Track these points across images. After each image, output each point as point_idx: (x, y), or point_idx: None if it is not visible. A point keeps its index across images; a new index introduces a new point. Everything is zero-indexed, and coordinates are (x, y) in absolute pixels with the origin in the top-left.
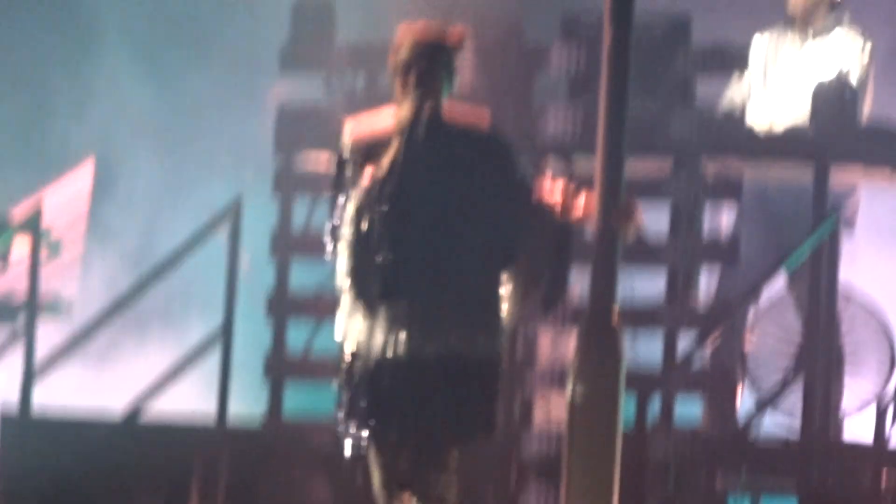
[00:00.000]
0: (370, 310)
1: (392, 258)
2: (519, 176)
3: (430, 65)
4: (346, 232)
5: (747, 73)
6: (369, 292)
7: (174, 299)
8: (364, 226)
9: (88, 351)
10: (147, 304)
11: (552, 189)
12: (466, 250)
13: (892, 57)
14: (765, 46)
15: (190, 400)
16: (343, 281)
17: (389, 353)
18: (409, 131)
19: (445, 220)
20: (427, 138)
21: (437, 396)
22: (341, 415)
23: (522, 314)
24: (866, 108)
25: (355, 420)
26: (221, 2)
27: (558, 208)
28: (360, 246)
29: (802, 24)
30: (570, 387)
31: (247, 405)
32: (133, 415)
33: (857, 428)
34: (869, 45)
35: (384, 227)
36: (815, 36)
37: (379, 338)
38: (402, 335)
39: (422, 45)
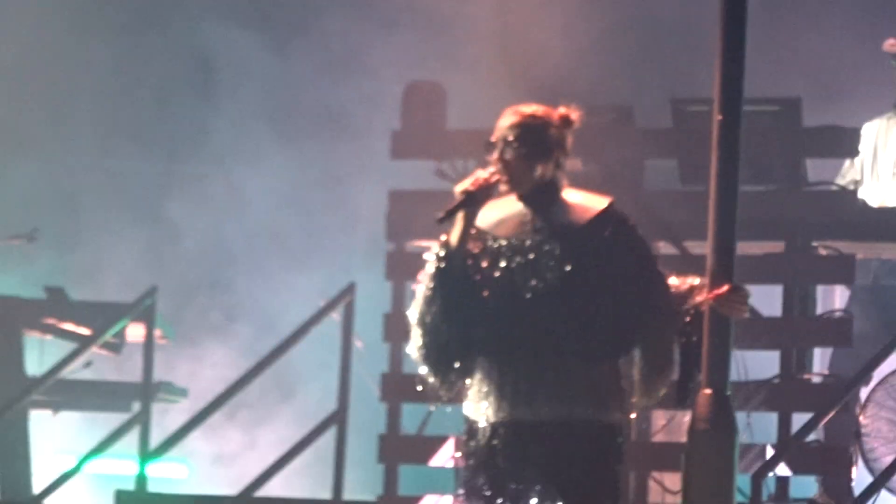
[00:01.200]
0: (486, 375)
1: (514, 330)
2: (646, 254)
3: (539, 138)
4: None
5: (858, 157)
6: (493, 348)
7: (291, 384)
8: (491, 283)
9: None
10: (264, 388)
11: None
12: (591, 324)
13: None
14: (875, 131)
15: (305, 485)
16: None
17: (503, 426)
18: (532, 200)
19: (573, 292)
20: (550, 207)
21: (554, 468)
22: (461, 492)
23: (652, 398)
24: None
25: (474, 497)
26: (336, 82)
27: (684, 290)
28: (487, 299)
29: None
30: (684, 464)
31: (360, 490)
32: (248, 492)
33: None
34: None
35: (518, 287)
36: None
37: (502, 405)
38: (527, 401)
39: (531, 118)
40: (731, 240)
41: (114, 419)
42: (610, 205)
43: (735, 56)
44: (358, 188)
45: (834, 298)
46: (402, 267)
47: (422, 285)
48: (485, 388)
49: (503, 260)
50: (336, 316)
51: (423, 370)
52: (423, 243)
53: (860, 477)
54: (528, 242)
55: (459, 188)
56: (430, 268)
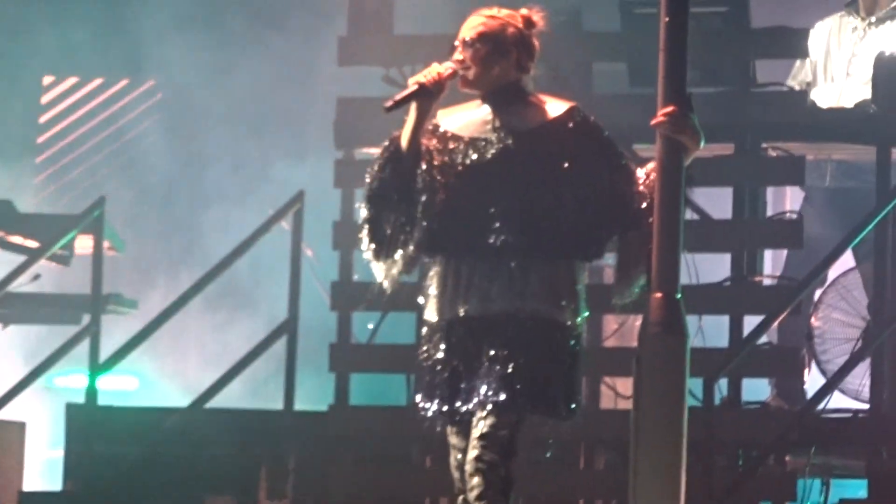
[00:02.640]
0: (449, 264)
1: (480, 214)
2: (613, 151)
3: (498, 37)
4: (419, 180)
5: (809, 58)
6: (450, 244)
7: (240, 293)
8: (451, 179)
9: (156, 346)
10: (212, 298)
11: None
12: (550, 222)
13: None
14: (827, 31)
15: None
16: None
17: (458, 323)
18: (494, 100)
19: (545, 185)
20: (511, 107)
21: (515, 362)
22: (420, 395)
23: (627, 294)
24: None
25: (430, 397)
26: None
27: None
28: (445, 197)
29: (868, 8)
30: (635, 369)
31: (314, 400)
32: (199, 403)
33: None
34: None
35: (478, 184)
36: (879, 22)
37: (457, 303)
38: (480, 297)
39: (490, 18)
40: (680, 152)
41: (65, 332)
42: (573, 106)
43: None
44: (306, 96)
45: (785, 201)
46: (351, 174)
47: (373, 171)
48: (441, 287)
49: (464, 157)
50: (286, 224)
51: (369, 255)
52: (373, 150)
53: (813, 379)
54: (488, 141)
55: (413, 79)
56: (381, 156)
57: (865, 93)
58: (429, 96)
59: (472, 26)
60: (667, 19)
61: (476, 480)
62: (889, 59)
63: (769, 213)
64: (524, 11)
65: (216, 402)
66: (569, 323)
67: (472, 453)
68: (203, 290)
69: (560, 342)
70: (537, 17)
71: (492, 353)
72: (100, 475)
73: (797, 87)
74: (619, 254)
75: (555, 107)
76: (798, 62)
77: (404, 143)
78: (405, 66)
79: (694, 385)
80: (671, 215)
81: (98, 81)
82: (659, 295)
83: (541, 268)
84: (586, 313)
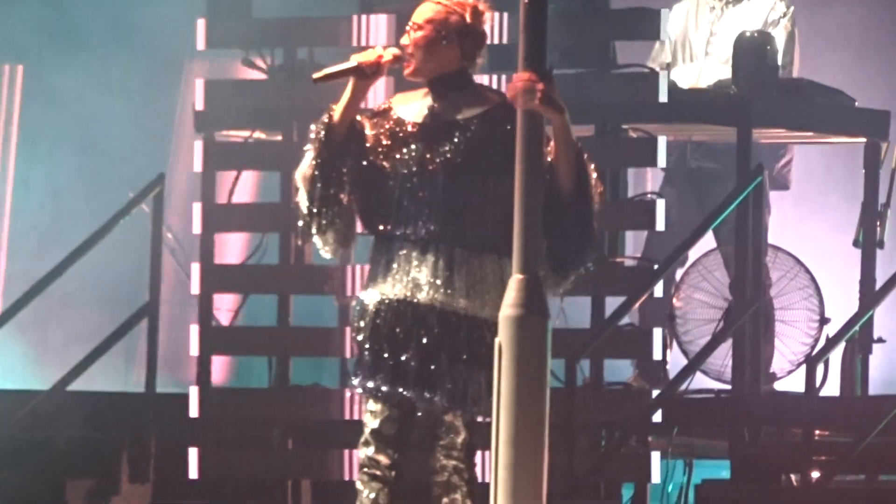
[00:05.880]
0: (384, 248)
1: (410, 200)
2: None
3: (441, 25)
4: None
5: (668, 39)
6: (380, 226)
7: (99, 278)
8: (388, 162)
9: (13, 331)
10: (73, 283)
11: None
12: (479, 213)
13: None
14: (685, 11)
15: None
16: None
17: (387, 305)
18: (437, 87)
19: (471, 177)
20: (454, 94)
21: (428, 354)
22: (357, 372)
23: (561, 283)
24: (795, 69)
25: (364, 376)
26: None
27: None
28: (379, 179)
29: None
30: (496, 350)
31: (175, 384)
32: (60, 386)
33: (789, 383)
34: (792, 9)
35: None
36: (736, 1)
37: (386, 284)
38: (408, 283)
39: (434, 5)
40: (539, 122)
41: None
42: (506, 98)
43: None
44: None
45: (646, 182)
46: (213, 158)
47: (308, 148)
48: (373, 267)
49: (403, 142)
50: (146, 207)
51: (303, 225)
52: (234, 133)
53: (674, 360)
54: (428, 127)
55: (354, 56)
56: (314, 133)
57: (724, 72)
58: (364, 77)
59: (419, 13)
60: (526, 0)
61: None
62: (749, 39)
63: (630, 194)
64: (472, 1)
65: (78, 385)
66: (495, 322)
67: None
68: (61, 275)
69: (484, 340)
70: (483, 6)
71: (420, 343)
72: None
73: (658, 69)
74: (547, 247)
75: (491, 98)
76: (657, 44)
77: (335, 117)
78: (265, 49)
79: (556, 366)
80: (531, 195)
81: None
82: (520, 277)
83: (466, 261)
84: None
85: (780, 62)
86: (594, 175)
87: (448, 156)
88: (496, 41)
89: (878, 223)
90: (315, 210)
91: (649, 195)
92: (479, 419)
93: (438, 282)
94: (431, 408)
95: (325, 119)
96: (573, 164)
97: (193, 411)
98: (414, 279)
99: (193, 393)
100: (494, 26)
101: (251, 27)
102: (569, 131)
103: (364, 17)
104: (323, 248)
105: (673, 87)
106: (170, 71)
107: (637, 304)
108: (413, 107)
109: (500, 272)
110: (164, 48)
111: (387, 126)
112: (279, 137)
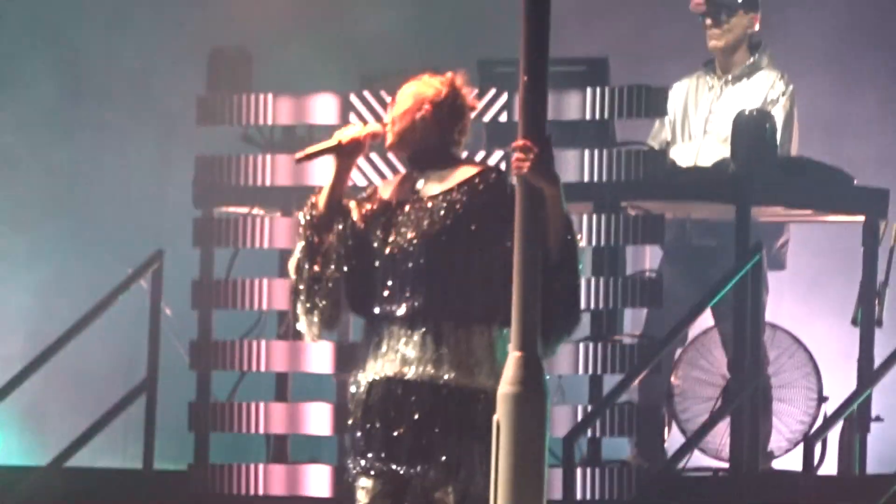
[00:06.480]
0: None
1: (394, 278)
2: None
3: (417, 102)
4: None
5: (668, 117)
6: (367, 307)
7: (99, 353)
8: (372, 242)
9: (11, 409)
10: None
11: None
12: (462, 287)
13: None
14: (685, 90)
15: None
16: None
17: (378, 384)
18: (416, 163)
19: (453, 250)
20: (431, 171)
21: (420, 431)
22: (351, 454)
23: (549, 350)
24: (794, 148)
25: (356, 456)
26: (139, 51)
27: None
28: (363, 260)
29: (723, 66)
30: (494, 428)
31: (172, 460)
32: (58, 462)
33: (788, 461)
34: (791, 87)
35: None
36: (736, 79)
37: (376, 363)
38: (397, 360)
39: (413, 83)
40: (539, 197)
41: None
42: (485, 168)
43: (539, 16)
44: (163, 154)
45: (645, 259)
46: (210, 233)
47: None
48: (364, 346)
49: (386, 222)
50: (144, 283)
51: (297, 312)
52: (231, 209)
53: (673, 437)
54: (409, 204)
55: (336, 133)
56: (302, 217)
57: (723, 151)
58: (345, 155)
59: (400, 90)
60: (525, 78)
61: None
62: (748, 117)
63: (628, 271)
64: (449, 76)
65: (77, 461)
66: (486, 391)
67: None
68: (59, 350)
69: (477, 412)
70: (461, 81)
71: (412, 418)
72: None
73: (657, 147)
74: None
75: (469, 170)
76: (657, 122)
77: (320, 199)
78: (263, 124)
79: (554, 444)
80: (530, 272)
81: None
82: (518, 354)
83: (454, 333)
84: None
85: (778, 141)
86: (581, 246)
87: (428, 231)
88: (504, 119)
89: (877, 301)
90: (301, 289)
91: (648, 272)
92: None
93: (426, 356)
94: (424, 482)
95: (311, 201)
96: (561, 234)
97: (192, 487)
98: (403, 356)
99: (191, 469)
100: (498, 104)
101: (250, 102)
102: (560, 202)
103: (363, 92)
104: (309, 330)
105: (673, 165)
106: (172, 142)
107: (636, 382)
108: (396, 186)
109: (489, 339)
110: (170, 117)
111: (371, 207)
112: (278, 214)
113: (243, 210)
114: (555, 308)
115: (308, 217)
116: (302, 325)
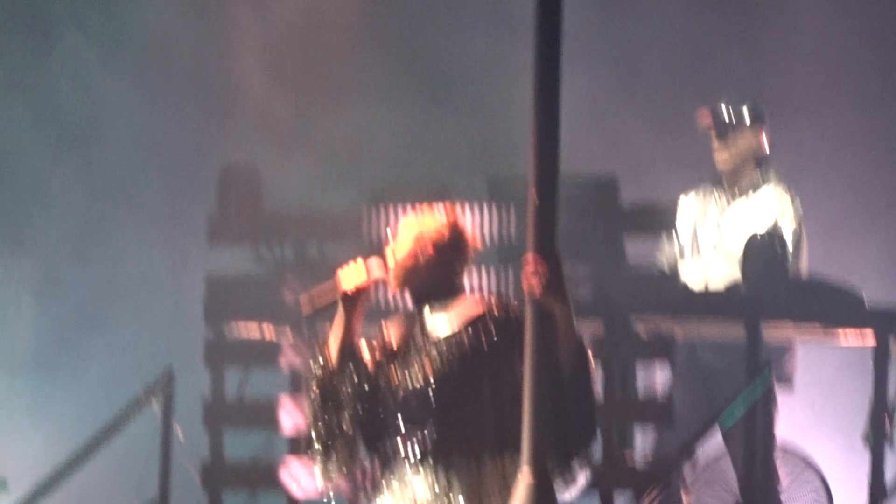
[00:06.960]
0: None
1: (405, 422)
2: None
3: (419, 244)
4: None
5: (676, 232)
6: (380, 450)
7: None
8: (381, 388)
9: None
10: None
11: None
12: (472, 422)
13: (822, 210)
14: (693, 205)
15: None
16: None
17: None
18: (420, 302)
19: (464, 390)
20: (436, 311)
21: None
22: None
23: (566, 474)
24: (803, 264)
25: None
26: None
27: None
28: (374, 405)
29: (730, 181)
30: None
31: None
32: None
33: None
34: (797, 201)
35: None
36: (743, 193)
37: (394, 501)
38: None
39: (412, 223)
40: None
41: None
42: (491, 303)
43: (549, 136)
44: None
45: (655, 376)
46: (221, 352)
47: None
48: (379, 484)
49: (395, 365)
50: (156, 407)
51: (316, 460)
52: (242, 326)
53: None
54: (416, 346)
55: (341, 276)
56: (311, 372)
57: (732, 266)
58: (351, 303)
59: (400, 231)
60: (535, 194)
61: None
62: (759, 240)
63: (639, 388)
64: (451, 217)
65: None
66: None
67: None
68: (69, 475)
69: None
70: (459, 215)
71: None
72: None
73: (666, 263)
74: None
75: (477, 306)
76: (666, 237)
77: (331, 350)
78: (274, 243)
79: None
80: (541, 390)
81: None
82: (530, 481)
83: (465, 467)
84: None
85: (789, 259)
86: (593, 366)
87: (437, 372)
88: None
89: (888, 420)
90: (315, 438)
91: (658, 389)
92: None
93: (437, 491)
94: None
95: (321, 358)
96: (573, 353)
97: None
98: (415, 494)
99: None
100: (507, 220)
101: (260, 221)
102: (570, 320)
103: (374, 209)
104: (325, 476)
105: (684, 287)
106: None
107: (646, 500)
108: (403, 328)
109: (501, 469)
110: (172, 239)
111: (380, 352)
112: (288, 331)
113: (253, 325)
114: (570, 427)
115: (317, 369)
116: (319, 473)
